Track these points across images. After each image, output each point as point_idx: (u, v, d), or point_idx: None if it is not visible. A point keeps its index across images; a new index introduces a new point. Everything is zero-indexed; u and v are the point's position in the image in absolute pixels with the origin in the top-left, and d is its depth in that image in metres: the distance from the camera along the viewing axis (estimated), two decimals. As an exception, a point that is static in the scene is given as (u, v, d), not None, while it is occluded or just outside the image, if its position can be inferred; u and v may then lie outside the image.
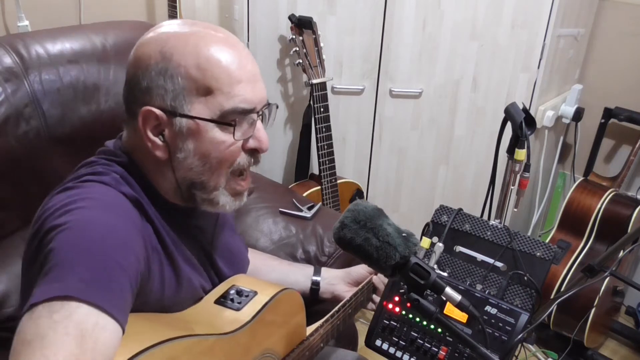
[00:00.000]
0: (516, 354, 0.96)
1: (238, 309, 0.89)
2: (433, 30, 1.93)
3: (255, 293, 0.93)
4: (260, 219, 1.56)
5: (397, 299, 1.00)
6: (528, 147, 1.14)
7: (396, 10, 1.89)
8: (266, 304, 0.91)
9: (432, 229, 1.13)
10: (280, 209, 1.60)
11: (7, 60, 1.16)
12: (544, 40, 1.94)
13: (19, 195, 1.18)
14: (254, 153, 0.85)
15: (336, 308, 1.07)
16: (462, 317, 0.94)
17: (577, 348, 2.08)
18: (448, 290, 0.76)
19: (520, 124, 1.12)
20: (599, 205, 2.09)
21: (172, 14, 1.78)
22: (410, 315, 0.99)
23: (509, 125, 1.16)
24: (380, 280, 1.15)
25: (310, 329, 1.02)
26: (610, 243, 2.06)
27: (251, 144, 0.83)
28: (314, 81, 1.82)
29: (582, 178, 2.26)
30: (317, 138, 1.87)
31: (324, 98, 1.85)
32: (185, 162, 0.81)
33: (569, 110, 2.22)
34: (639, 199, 2.11)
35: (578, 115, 2.23)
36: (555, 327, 2.10)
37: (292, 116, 2.05)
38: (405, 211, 2.24)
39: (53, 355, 0.59)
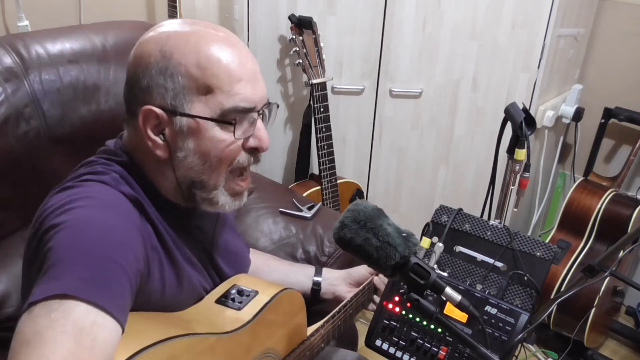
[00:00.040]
0: (516, 354, 0.96)
1: (239, 309, 0.89)
2: (433, 30, 1.93)
3: (256, 293, 0.93)
4: (260, 219, 1.56)
5: (397, 299, 1.00)
6: (528, 147, 1.14)
7: (396, 10, 1.89)
8: (267, 303, 0.91)
9: (432, 229, 1.13)
10: (280, 209, 1.60)
11: (7, 60, 1.16)
12: (544, 40, 1.94)
13: (19, 195, 1.18)
14: (254, 152, 0.85)
15: (337, 308, 1.06)
16: (462, 317, 0.94)
17: (577, 348, 2.08)
18: (448, 290, 0.76)
19: (520, 124, 1.12)
20: (599, 205, 2.09)
21: (172, 14, 1.78)
22: (410, 315, 0.99)
23: (509, 125, 1.16)
24: (381, 280, 1.15)
25: (311, 329, 1.02)
26: (610, 243, 2.06)
27: (251, 143, 0.83)
28: (314, 81, 1.82)
29: (582, 178, 2.26)
30: (317, 138, 1.87)
31: (324, 98, 1.85)
32: (185, 161, 0.81)
33: (569, 110, 2.22)
34: (639, 199, 2.11)
35: (578, 115, 2.23)
36: (555, 327, 2.10)
37: (292, 116, 2.05)
38: (405, 211, 2.24)
39: (51, 354, 0.59)
